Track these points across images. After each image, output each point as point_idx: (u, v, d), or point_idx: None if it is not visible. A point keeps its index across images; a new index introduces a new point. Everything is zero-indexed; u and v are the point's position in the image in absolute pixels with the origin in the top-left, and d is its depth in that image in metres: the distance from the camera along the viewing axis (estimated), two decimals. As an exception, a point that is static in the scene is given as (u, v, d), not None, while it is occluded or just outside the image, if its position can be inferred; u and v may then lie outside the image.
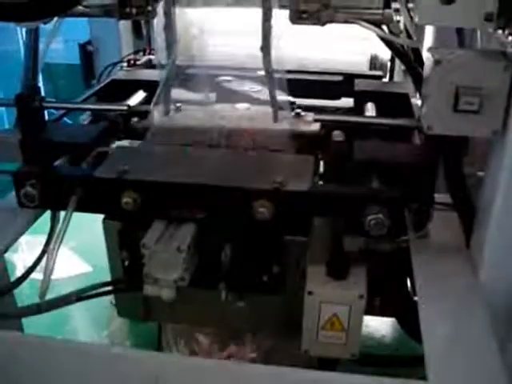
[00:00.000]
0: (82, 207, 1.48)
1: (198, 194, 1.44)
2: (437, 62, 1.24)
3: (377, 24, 1.43)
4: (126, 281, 1.61)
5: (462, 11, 1.22)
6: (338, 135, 1.59)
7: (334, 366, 1.58)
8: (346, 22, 1.41)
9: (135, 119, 1.72)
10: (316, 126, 1.64)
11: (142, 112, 1.75)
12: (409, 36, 1.50)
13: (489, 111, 1.24)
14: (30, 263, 1.68)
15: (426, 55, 1.33)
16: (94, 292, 1.56)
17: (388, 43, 1.52)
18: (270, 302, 1.62)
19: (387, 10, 1.42)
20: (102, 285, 1.60)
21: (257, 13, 1.48)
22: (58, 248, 1.45)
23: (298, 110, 1.69)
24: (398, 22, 1.49)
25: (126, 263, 1.58)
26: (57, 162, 1.58)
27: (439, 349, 1.19)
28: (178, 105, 1.74)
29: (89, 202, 1.48)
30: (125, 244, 1.57)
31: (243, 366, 1.30)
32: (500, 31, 1.24)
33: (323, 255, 1.49)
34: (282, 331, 1.70)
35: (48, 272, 1.45)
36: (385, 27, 1.46)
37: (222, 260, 1.51)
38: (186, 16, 1.58)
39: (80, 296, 1.52)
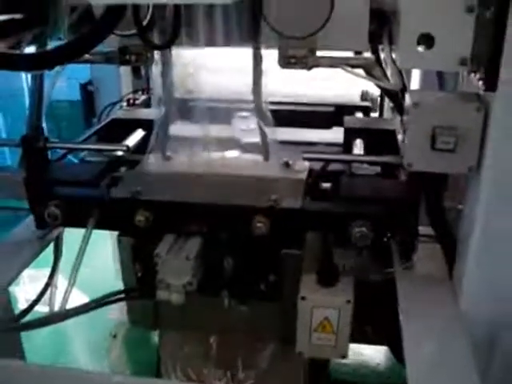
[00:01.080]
0: (100, 225, 1.62)
1: (203, 212, 1.58)
2: (415, 105, 1.32)
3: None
4: (139, 289, 1.75)
5: (439, 56, 1.31)
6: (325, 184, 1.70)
7: (325, 367, 1.67)
8: (331, 66, 1.51)
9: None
10: (303, 175, 1.72)
11: (140, 152, 1.84)
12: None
13: (464, 149, 1.32)
14: (32, 296, 1.75)
15: (406, 97, 1.42)
16: (112, 298, 1.67)
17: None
18: (268, 308, 1.75)
19: (369, 56, 1.52)
20: (117, 293, 1.71)
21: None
22: (79, 267, 1.60)
23: (286, 159, 1.77)
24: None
25: (139, 275, 1.73)
26: None
27: (422, 372, 1.24)
28: (169, 153, 1.83)
29: (105, 221, 1.62)
30: (138, 257, 1.72)
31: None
32: (473, 74, 1.32)
33: (315, 265, 1.62)
34: (278, 335, 1.83)
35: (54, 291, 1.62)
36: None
37: (224, 270, 1.65)
38: (183, 55, 1.67)
39: (99, 303, 1.64)
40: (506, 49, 1.19)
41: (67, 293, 1.62)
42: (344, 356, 1.63)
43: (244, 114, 1.85)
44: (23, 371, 1.33)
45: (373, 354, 2.74)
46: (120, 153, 1.82)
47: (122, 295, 1.73)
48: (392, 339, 1.76)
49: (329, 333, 1.58)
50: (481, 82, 1.27)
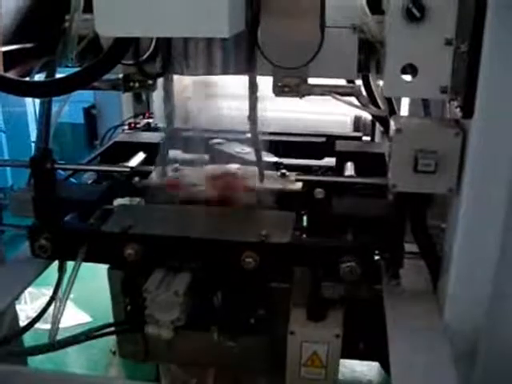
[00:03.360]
0: (89, 258, 1.64)
1: (192, 246, 1.59)
2: (398, 130, 1.41)
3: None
4: (129, 323, 1.74)
5: (422, 85, 1.41)
6: (319, 193, 1.74)
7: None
8: (322, 94, 1.60)
9: (136, 179, 1.88)
10: (299, 185, 1.80)
11: (142, 172, 1.91)
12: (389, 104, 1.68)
13: (444, 171, 1.40)
14: (32, 314, 1.78)
15: (391, 123, 1.51)
16: (100, 332, 1.68)
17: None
18: (257, 342, 1.74)
19: (357, 85, 1.62)
20: (107, 326, 1.71)
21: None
22: (69, 293, 1.61)
23: (283, 171, 1.86)
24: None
25: (128, 308, 1.72)
26: (66, 218, 1.75)
27: (405, 376, 1.31)
28: (176, 165, 1.90)
29: (95, 253, 1.64)
30: (127, 291, 1.71)
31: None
32: (453, 102, 1.42)
33: (304, 299, 1.63)
34: (268, 369, 1.81)
35: (58, 316, 1.61)
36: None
37: (214, 304, 1.65)
38: (182, 81, 1.72)
39: (88, 335, 1.64)
40: (481, 79, 1.28)
41: (57, 320, 1.63)
42: None
43: (219, 140, 1.95)
44: (31, 377, 1.41)
45: (365, 370, 2.79)
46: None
47: (112, 329, 1.74)
48: (382, 354, 1.83)
49: (318, 367, 1.60)
50: (458, 109, 1.36)
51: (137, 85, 1.69)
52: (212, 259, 1.60)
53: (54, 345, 1.59)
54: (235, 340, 1.71)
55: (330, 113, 2.72)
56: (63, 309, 1.64)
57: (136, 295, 1.62)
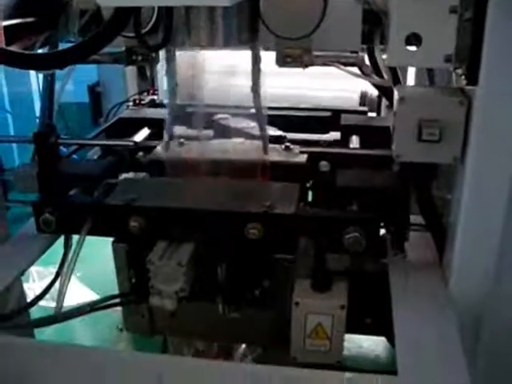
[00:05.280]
0: (94, 231, 1.64)
1: (196, 218, 1.60)
2: (401, 99, 1.40)
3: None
4: (134, 295, 1.74)
5: (426, 54, 1.38)
6: (324, 165, 1.75)
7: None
8: (325, 64, 1.59)
9: (141, 153, 1.88)
10: (303, 158, 1.79)
11: (147, 147, 1.91)
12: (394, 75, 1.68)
13: (449, 140, 1.39)
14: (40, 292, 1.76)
15: (395, 92, 1.50)
16: (105, 303, 1.69)
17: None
18: (262, 315, 1.74)
19: (360, 54, 1.60)
20: (112, 297, 1.72)
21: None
22: (74, 266, 1.61)
23: (288, 144, 1.85)
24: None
25: (133, 280, 1.73)
26: (70, 193, 1.75)
27: (409, 348, 1.31)
28: (181, 140, 1.89)
29: (99, 227, 1.64)
30: (132, 263, 1.72)
31: (243, 366, 1.43)
32: (458, 70, 1.40)
33: (309, 271, 1.63)
34: (273, 341, 1.80)
35: (63, 290, 1.61)
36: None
37: (218, 276, 1.65)
38: (186, 57, 1.71)
39: (93, 307, 1.64)
40: (486, 46, 1.26)
41: (62, 294, 1.63)
42: (339, 361, 1.63)
43: (224, 115, 1.93)
44: (36, 349, 1.42)
45: (372, 345, 2.78)
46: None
47: (117, 300, 1.74)
48: (389, 328, 1.83)
49: (322, 338, 1.59)
50: (463, 77, 1.35)
51: (139, 58, 1.69)
52: (216, 230, 1.59)
53: (59, 316, 1.59)
54: (240, 311, 1.71)
55: (336, 89, 2.70)
56: (68, 282, 1.64)
57: (140, 268, 1.63)
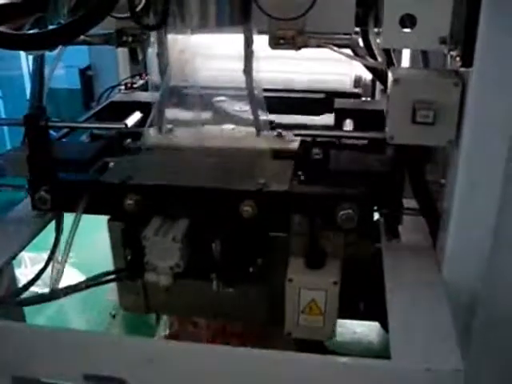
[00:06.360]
0: (89, 209, 1.64)
1: (191, 195, 1.60)
2: (395, 81, 1.39)
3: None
4: (129, 272, 1.74)
5: (420, 35, 1.38)
6: (316, 153, 1.72)
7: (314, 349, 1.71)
8: (318, 46, 1.57)
9: (129, 140, 1.85)
10: (295, 144, 1.77)
11: (136, 133, 1.88)
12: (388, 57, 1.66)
13: (443, 123, 1.38)
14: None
15: (389, 74, 1.48)
16: (101, 280, 1.68)
17: (365, 65, 1.68)
18: (256, 291, 1.76)
19: (354, 36, 1.58)
20: (107, 274, 1.71)
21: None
22: (70, 248, 1.62)
23: (280, 130, 1.82)
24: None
25: (129, 258, 1.72)
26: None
27: (402, 332, 1.31)
28: (170, 126, 1.87)
29: (95, 205, 1.64)
30: (127, 241, 1.71)
31: (234, 349, 1.43)
32: (452, 52, 1.39)
33: (302, 248, 1.64)
34: (267, 319, 1.82)
35: (57, 275, 1.62)
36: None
37: (213, 253, 1.65)
38: (179, 41, 1.69)
39: (89, 284, 1.64)
40: (481, 28, 1.25)
41: (59, 273, 1.63)
42: (331, 337, 1.66)
43: (222, 98, 1.90)
44: (30, 332, 1.43)
45: (366, 331, 2.79)
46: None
47: (112, 276, 1.73)
48: (382, 314, 1.83)
49: (316, 314, 1.61)
50: (458, 59, 1.33)
51: (130, 39, 1.67)
52: (210, 208, 1.60)
53: (51, 294, 1.59)
54: (234, 286, 1.72)
55: (330, 73, 2.68)
56: (64, 265, 1.64)
57: (136, 245, 1.63)
